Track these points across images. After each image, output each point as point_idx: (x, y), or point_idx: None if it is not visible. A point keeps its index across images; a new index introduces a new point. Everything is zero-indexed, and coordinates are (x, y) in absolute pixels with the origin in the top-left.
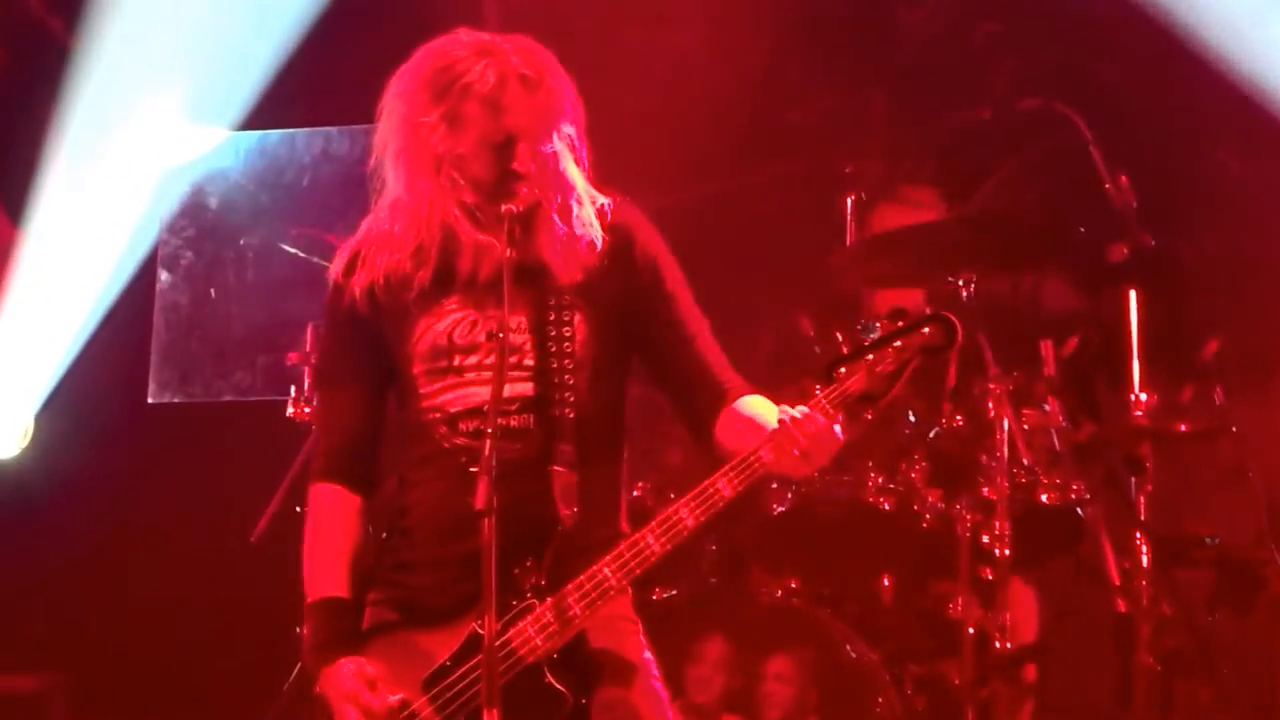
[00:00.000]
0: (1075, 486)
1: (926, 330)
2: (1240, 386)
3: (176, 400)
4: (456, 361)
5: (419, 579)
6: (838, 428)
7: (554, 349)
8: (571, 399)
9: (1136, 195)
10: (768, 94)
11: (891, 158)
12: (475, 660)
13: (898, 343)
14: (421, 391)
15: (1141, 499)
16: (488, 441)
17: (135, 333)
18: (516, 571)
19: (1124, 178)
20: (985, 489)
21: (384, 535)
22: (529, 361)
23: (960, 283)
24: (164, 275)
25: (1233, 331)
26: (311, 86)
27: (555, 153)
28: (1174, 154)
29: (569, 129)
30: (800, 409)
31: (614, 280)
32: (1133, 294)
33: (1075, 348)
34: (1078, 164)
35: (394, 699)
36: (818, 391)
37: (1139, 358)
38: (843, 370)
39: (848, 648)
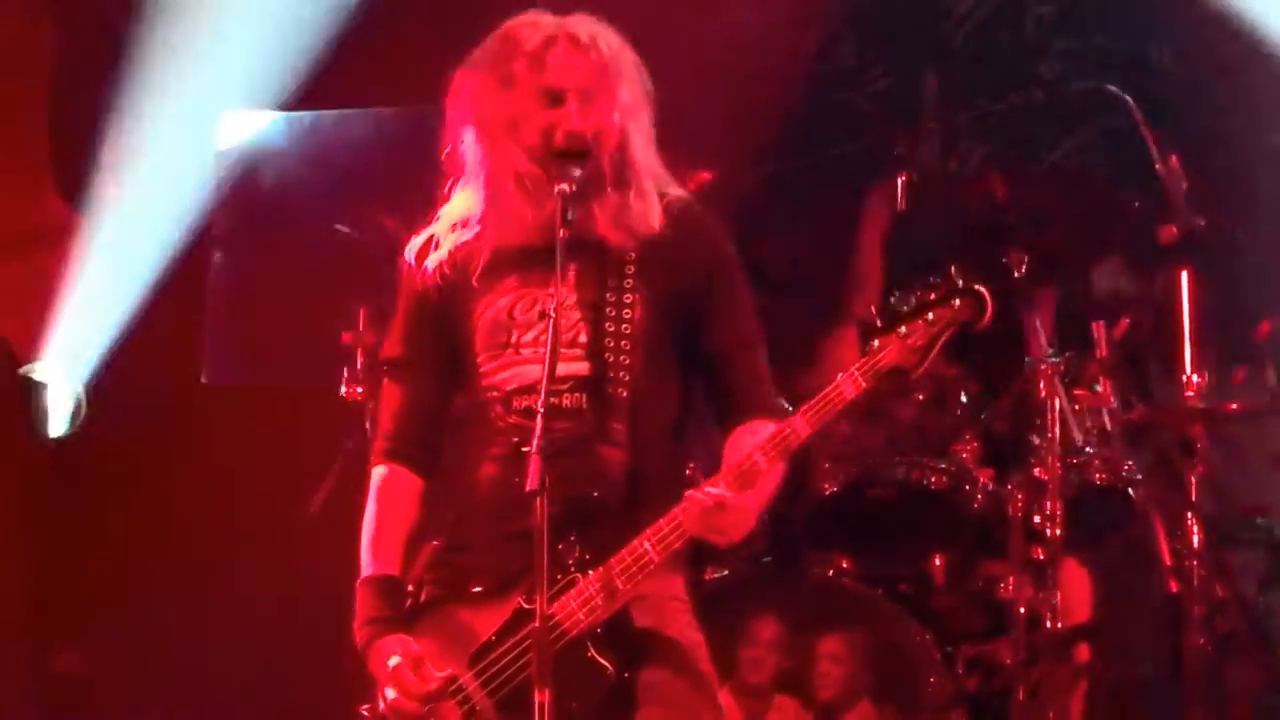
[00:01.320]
0: (1127, 467)
1: (956, 303)
2: None
3: (230, 380)
4: (514, 338)
5: (471, 559)
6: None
7: (611, 328)
8: (626, 378)
9: (1188, 177)
10: (820, 75)
11: (944, 139)
12: (520, 635)
13: (929, 315)
14: (481, 370)
15: (1193, 480)
16: (538, 419)
17: (189, 313)
18: (560, 546)
19: (1175, 158)
20: (1037, 469)
21: (449, 515)
22: (583, 339)
23: (1012, 261)
24: (217, 255)
25: None
26: (365, 67)
27: (614, 121)
28: (1226, 135)
29: (629, 99)
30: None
31: (672, 269)
32: (1184, 275)
33: (1127, 329)
34: (1129, 145)
35: (441, 675)
36: (854, 370)
37: (1191, 339)
38: (875, 343)
39: (899, 628)
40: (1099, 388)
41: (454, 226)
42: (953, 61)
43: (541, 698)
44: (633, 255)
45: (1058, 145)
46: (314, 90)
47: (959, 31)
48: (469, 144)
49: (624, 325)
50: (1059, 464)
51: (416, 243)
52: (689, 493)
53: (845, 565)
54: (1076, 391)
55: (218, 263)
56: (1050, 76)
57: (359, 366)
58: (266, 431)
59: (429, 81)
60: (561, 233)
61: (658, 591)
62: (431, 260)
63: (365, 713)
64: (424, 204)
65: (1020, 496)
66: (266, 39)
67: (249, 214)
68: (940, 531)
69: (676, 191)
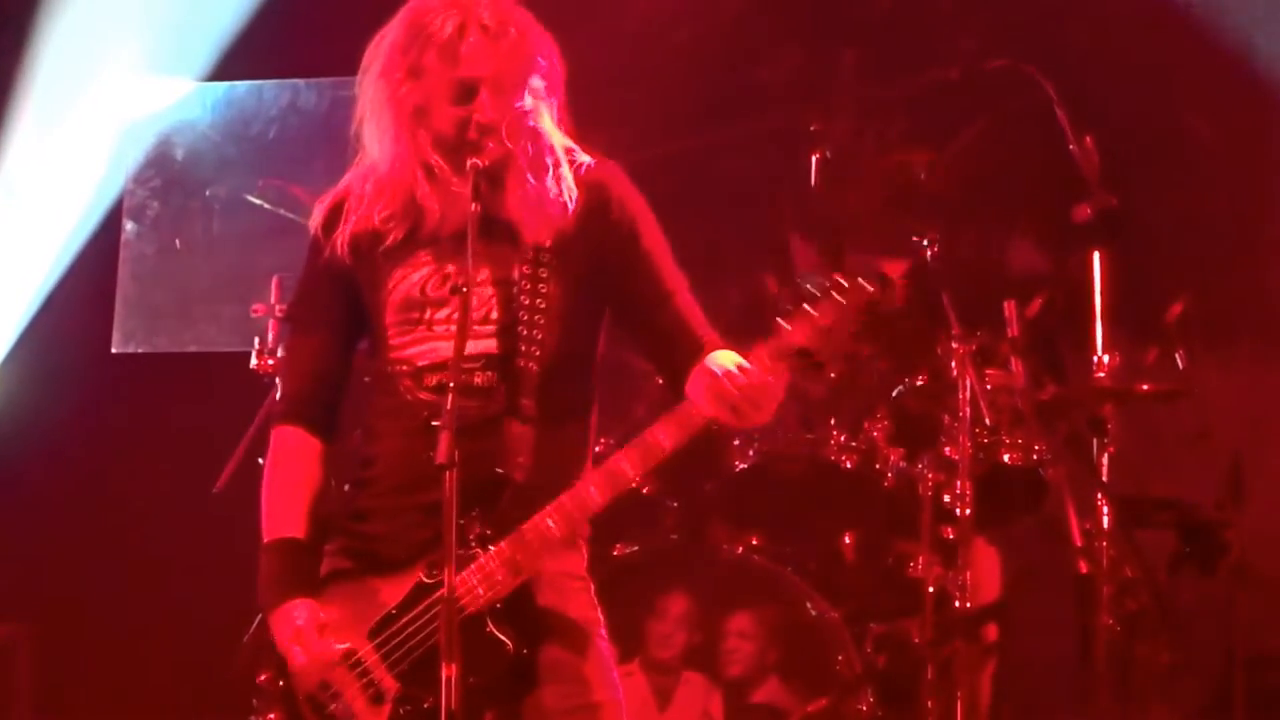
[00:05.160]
0: (1037, 447)
1: (865, 287)
2: (1204, 349)
3: (140, 350)
4: (427, 314)
5: (374, 528)
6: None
7: (526, 303)
8: (537, 353)
9: (1103, 156)
10: (737, 50)
11: (860, 116)
12: (419, 609)
13: (837, 298)
14: (391, 343)
15: (1104, 460)
16: (450, 396)
17: (100, 283)
18: (463, 522)
19: (1089, 138)
20: (948, 448)
21: (346, 486)
22: (494, 317)
23: (925, 242)
24: (129, 226)
25: (1197, 294)
26: (280, 38)
27: (525, 106)
28: (1142, 115)
29: (540, 83)
30: (738, 363)
31: (588, 237)
32: (1097, 255)
33: (1039, 308)
34: (1043, 124)
35: (340, 647)
36: (761, 351)
37: (1103, 319)
38: (784, 324)
39: (809, 605)
40: (1011, 367)
41: (364, 198)
42: (870, 37)
43: (449, 672)
44: (552, 228)
45: (973, 123)
46: (229, 61)
47: (876, 7)
48: (379, 127)
49: (538, 300)
50: (970, 443)
51: (322, 211)
52: (616, 456)
53: (755, 542)
54: (988, 371)
55: (130, 232)
56: (966, 53)
57: (270, 338)
58: (176, 402)
59: (345, 54)
60: (474, 207)
61: (557, 569)
62: (339, 231)
63: (262, 683)
64: (338, 176)
65: (931, 475)
66: (181, 9)
67: (162, 184)
68: (850, 509)
69: (584, 158)
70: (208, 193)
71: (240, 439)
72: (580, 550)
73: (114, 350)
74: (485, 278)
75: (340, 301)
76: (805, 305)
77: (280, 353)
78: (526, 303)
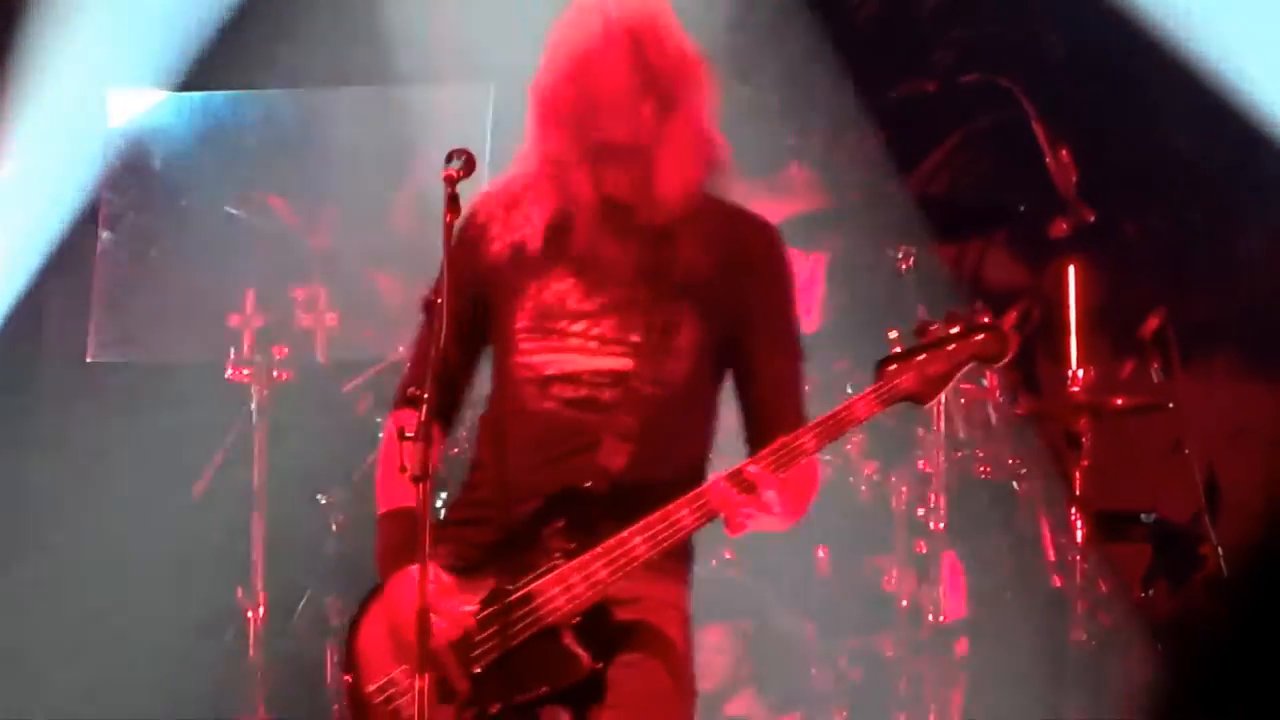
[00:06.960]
0: (1012, 461)
1: (979, 338)
2: (1179, 363)
3: (116, 360)
4: (561, 325)
5: (473, 535)
6: (772, 494)
7: (660, 325)
8: (658, 376)
9: (1079, 170)
10: (715, 64)
11: (836, 129)
12: (491, 612)
13: (950, 347)
14: (520, 347)
15: (1078, 474)
16: (424, 408)
17: (76, 291)
18: (546, 532)
19: (1065, 151)
20: (921, 462)
21: (460, 488)
22: (630, 338)
23: (900, 255)
24: (105, 235)
25: (1173, 307)
26: (257, 48)
27: (673, 115)
28: (1118, 129)
29: (691, 96)
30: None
31: (730, 287)
32: (1072, 269)
33: (1014, 322)
34: (1020, 138)
35: (468, 609)
36: (870, 392)
37: (1078, 332)
38: (893, 367)
39: (782, 619)
40: (985, 380)
41: (513, 203)
42: (847, 51)
43: (421, 683)
44: (699, 263)
45: (949, 136)
46: (207, 70)
47: (853, 21)
48: (537, 132)
49: (672, 328)
50: (943, 457)
51: (474, 204)
52: (712, 480)
53: (728, 555)
54: (962, 384)
55: (105, 241)
56: (943, 66)
57: (245, 348)
58: (150, 411)
59: (322, 64)
60: (447, 218)
61: (658, 596)
62: (486, 228)
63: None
64: (315, 187)
65: (904, 489)
66: (160, 17)
67: (139, 194)
68: (824, 523)
69: (739, 204)
70: (184, 202)
71: (214, 449)
72: (683, 581)
73: (89, 359)
74: (630, 298)
75: (473, 296)
76: (917, 351)
77: (255, 365)
78: (660, 325)
